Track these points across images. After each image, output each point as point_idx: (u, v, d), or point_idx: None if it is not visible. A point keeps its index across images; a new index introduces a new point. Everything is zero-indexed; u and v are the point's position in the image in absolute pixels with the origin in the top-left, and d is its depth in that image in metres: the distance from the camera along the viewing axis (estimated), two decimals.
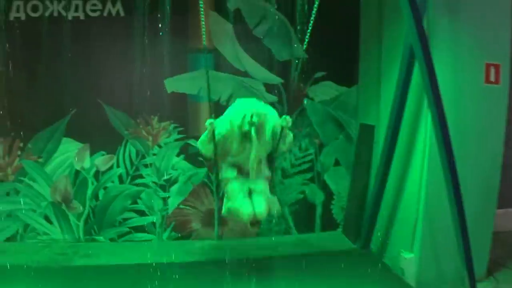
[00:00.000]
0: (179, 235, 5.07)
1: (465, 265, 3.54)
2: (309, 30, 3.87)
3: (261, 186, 3.62)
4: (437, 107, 3.51)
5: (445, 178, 3.53)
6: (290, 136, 3.82)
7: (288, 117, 3.67)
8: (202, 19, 2.62)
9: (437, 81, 3.54)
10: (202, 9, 2.66)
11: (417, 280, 4.07)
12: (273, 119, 3.72)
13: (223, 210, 3.73)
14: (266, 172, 3.75)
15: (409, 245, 4.22)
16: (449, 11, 4.00)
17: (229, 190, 3.65)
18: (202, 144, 3.73)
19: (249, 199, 3.54)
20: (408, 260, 4.16)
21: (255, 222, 3.62)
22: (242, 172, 3.69)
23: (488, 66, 4.09)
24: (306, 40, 3.90)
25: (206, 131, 3.63)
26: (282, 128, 3.69)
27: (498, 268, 4.37)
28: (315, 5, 3.85)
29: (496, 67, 4.09)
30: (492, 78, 4.09)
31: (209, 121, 3.59)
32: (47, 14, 4.61)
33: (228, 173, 3.71)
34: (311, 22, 3.91)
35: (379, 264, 4.43)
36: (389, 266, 4.39)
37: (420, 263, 4.10)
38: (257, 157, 3.56)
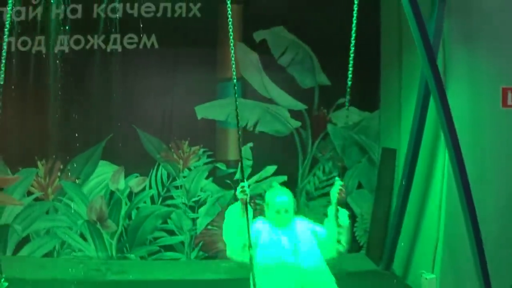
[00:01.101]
0: (207, 254, 5.27)
1: (483, 285, 3.57)
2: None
3: None
4: (452, 138, 3.58)
5: (460, 202, 3.61)
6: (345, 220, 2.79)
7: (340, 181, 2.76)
8: (232, 49, 2.50)
9: (450, 112, 3.60)
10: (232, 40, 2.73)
11: None
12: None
13: None
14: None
15: (430, 266, 4.27)
16: (465, 39, 4.17)
17: None
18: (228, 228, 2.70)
19: None
20: (429, 280, 4.21)
21: None
22: None
23: (505, 90, 4.20)
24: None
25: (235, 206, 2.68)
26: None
27: None
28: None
29: None
30: (510, 102, 4.20)
31: (241, 184, 2.61)
32: (88, 47, 5.04)
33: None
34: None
35: (402, 285, 4.48)
36: (411, 287, 4.44)
37: (441, 283, 4.14)
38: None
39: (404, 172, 4.52)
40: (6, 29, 3.06)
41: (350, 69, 3.27)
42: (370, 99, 5.44)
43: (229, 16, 2.47)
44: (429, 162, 4.42)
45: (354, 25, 2.77)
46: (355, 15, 2.91)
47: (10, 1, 2.90)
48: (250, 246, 2.49)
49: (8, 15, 3.03)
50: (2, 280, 3.02)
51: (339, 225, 2.67)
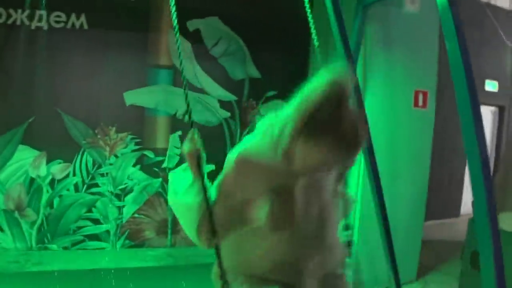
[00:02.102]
0: (133, 243, 5.19)
1: (390, 268, 4.01)
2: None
3: None
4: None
5: (371, 192, 4.00)
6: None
7: None
8: (177, 39, 1.97)
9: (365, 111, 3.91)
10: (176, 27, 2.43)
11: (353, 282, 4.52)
12: None
13: None
14: None
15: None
16: (384, 44, 4.60)
17: None
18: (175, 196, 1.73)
19: None
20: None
21: None
22: None
23: (417, 92, 4.72)
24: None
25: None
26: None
27: (427, 271, 4.94)
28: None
29: (424, 93, 4.73)
30: (420, 103, 4.73)
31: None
32: (9, 21, 4.64)
33: None
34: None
35: None
36: None
37: (355, 267, 4.56)
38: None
39: None
40: None
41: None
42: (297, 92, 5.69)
43: (172, 4, 1.99)
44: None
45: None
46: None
47: None
48: (215, 239, 1.57)
49: None
50: None
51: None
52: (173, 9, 1.82)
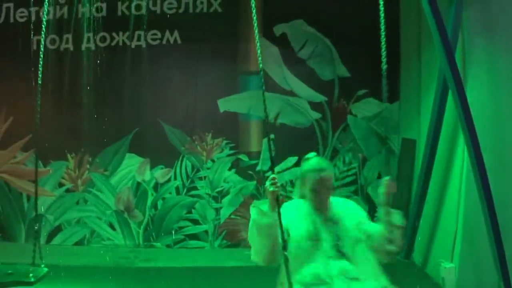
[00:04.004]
0: (230, 243, 5.44)
1: (501, 274, 3.62)
2: None
3: None
4: (470, 132, 3.61)
5: (478, 192, 3.66)
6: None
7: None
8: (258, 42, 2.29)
9: (469, 110, 3.62)
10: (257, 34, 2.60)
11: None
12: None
13: None
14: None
15: (449, 255, 4.34)
16: (485, 31, 4.17)
17: None
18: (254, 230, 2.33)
19: None
20: (448, 269, 4.28)
21: None
22: None
23: None
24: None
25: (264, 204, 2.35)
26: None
27: None
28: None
29: None
30: None
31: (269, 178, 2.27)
32: (113, 44, 5.21)
33: None
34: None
35: (421, 274, 4.57)
36: (431, 276, 4.52)
37: (460, 272, 4.21)
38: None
39: (423, 163, 4.57)
40: (43, 30, 3.28)
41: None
42: (389, 90, 5.43)
43: (253, 10, 2.40)
44: (448, 153, 4.46)
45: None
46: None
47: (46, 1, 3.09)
48: (284, 248, 2.17)
49: (45, 15, 3.24)
50: (43, 265, 3.25)
51: (392, 226, 2.30)
52: (254, 16, 2.26)
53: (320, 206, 2.45)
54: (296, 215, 2.43)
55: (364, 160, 5.54)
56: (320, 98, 5.48)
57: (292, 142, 5.39)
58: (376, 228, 2.39)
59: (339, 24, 5.31)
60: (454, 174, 4.38)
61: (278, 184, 2.19)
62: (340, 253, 2.30)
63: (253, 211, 2.31)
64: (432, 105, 4.42)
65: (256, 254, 2.35)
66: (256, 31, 1.94)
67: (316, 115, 5.48)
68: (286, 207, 2.40)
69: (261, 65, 2.25)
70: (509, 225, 3.78)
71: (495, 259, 3.62)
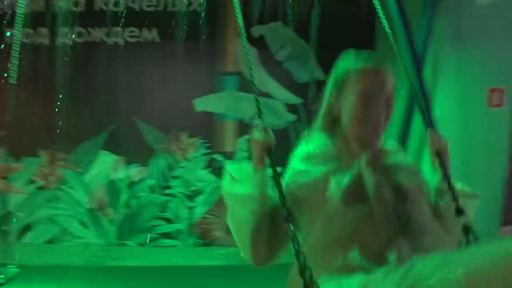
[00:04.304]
0: (203, 241, 5.46)
1: None
2: None
3: None
4: None
5: None
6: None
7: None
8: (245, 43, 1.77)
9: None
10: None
11: None
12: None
13: None
14: None
15: None
16: (455, 41, 4.33)
17: None
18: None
19: None
20: None
21: None
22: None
23: (491, 91, 4.38)
24: None
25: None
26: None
27: None
28: None
29: (500, 91, 4.37)
30: (496, 102, 4.38)
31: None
32: (90, 39, 5.16)
33: None
34: None
35: None
36: None
37: None
38: None
39: None
40: (17, 24, 3.22)
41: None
42: None
43: (238, 11, 1.91)
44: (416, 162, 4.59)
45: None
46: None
47: None
48: (290, 220, 1.22)
49: (19, 7, 3.18)
50: (13, 265, 3.19)
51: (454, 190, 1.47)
52: (239, 15, 1.73)
53: (367, 143, 1.41)
54: (316, 165, 1.41)
55: None
56: (296, 100, 5.55)
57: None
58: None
59: (317, 28, 5.39)
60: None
61: (271, 135, 1.45)
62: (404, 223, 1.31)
63: (225, 180, 1.49)
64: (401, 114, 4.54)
65: (242, 249, 1.46)
66: (243, 31, 1.59)
67: (292, 117, 5.55)
68: (298, 157, 1.48)
69: (251, 68, 1.62)
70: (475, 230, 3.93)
71: None
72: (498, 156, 4.40)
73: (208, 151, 5.47)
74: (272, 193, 1.36)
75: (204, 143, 5.47)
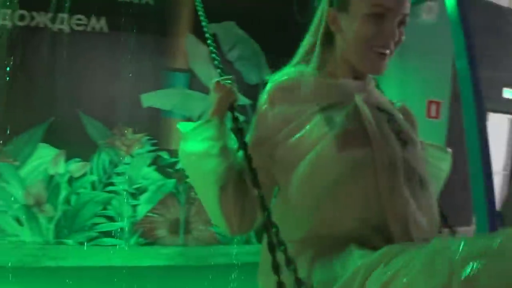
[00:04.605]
0: (146, 241, 5.32)
1: None
2: None
3: None
4: None
5: None
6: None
7: None
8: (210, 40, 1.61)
9: None
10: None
11: None
12: None
13: None
14: None
15: None
16: (398, 53, 4.60)
17: None
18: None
19: None
20: None
21: None
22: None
23: (430, 103, 4.73)
24: None
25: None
26: None
27: None
28: None
29: (437, 104, 4.74)
30: (433, 113, 4.74)
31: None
32: (33, 24, 4.83)
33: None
34: None
35: None
36: None
37: None
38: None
39: None
40: None
41: None
42: None
43: (199, 8, 1.74)
44: None
45: None
46: None
47: None
48: (255, 183, 1.02)
49: None
50: None
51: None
52: (201, 11, 1.63)
53: (374, 70, 1.19)
54: (296, 103, 1.16)
55: None
56: (244, 101, 5.59)
57: None
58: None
59: (269, 30, 5.47)
60: None
61: (234, 87, 1.29)
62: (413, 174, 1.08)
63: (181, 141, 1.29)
64: None
65: (212, 216, 1.17)
66: (205, 28, 1.43)
67: (240, 118, 5.56)
68: (274, 86, 1.25)
69: (218, 61, 1.59)
70: None
71: None
72: None
73: (154, 148, 5.35)
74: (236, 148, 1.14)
75: (149, 139, 5.33)
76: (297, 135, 1.06)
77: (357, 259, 0.89)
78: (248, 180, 1.07)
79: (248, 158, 1.06)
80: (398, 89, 4.57)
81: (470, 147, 2.49)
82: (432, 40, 4.66)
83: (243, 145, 1.11)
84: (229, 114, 1.24)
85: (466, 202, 7.43)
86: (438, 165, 1.36)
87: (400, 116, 1.22)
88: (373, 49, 1.14)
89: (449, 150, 1.45)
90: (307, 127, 1.05)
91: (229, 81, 1.27)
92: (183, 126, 1.29)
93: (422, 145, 1.21)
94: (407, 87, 4.61)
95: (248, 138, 1.18)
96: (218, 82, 1.25)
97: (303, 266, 0.95)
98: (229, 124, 1.22)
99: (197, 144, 1.18)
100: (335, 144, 1.01)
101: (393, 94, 4.50)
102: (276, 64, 4.98)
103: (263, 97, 1.23)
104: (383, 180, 0.99)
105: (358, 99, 1.11)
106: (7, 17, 4.72)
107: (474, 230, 4.53)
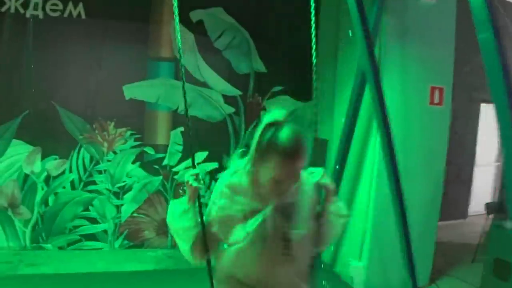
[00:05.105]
0: (132, 243, 4.98)
1: (408, 272, 3.77)
2: None
3: None
4: (385, 128, 3.75)
5: (391, 192, 3.77)
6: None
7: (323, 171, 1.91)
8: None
9: (385, 105, 3.77)
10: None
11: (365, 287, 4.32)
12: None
13: None
14: None
15: (358, 254, 4.46)
16: (399, 37, 4.35)
17: None
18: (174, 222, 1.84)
19: None
20: (356, 268, 4.39)
21: None
22: None
23: (432, 89, 4.48)
24: None
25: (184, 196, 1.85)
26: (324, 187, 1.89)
27: (440, 276, 4.71)
28: None
29: (440, 90, 4.49)
30: (436, 100, 4.49)
31: (190, 172, 1.82)
32: (3, 9, 4.41)
33: None
34: None
35: (330, 273, 4.62)
36: (339, 275, 4.60)
37: (368, 271, 4.34)
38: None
39: (336, 162, 4.63)
40: None
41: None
42: (303, 88, 5.47)
43: None
44: (359, 154, 4.58)
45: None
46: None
47: None
48: (207, 255, 1.81)
49: None
50: None
51: (340, 216, 1.94)
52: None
53: (275, 193, 1.74)
54: (236, 201, 1.78)
55: None
56: (234, 92, 5.28)
57: (202, 136, 5.07)
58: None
59: (259, 17, 5.16)
60: (365, 174, 4.52)
61: (202, 181, 1.80)
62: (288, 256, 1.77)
63: (168, 215, 1.85)
64: (347, 106, 4.49)
65: (185, 255, 1.84)
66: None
67: (230, 109, 5.26)
68: (225, 184, 1.80)
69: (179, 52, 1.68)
70: (414, 225, 3.96)
71: (404, 258, 3.76)
72: (439, 152, 4.52)
73: (138, 143, 4.99)
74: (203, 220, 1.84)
75: (133, 134, 4.97)
76: (232, 226, 1.78)
77: None
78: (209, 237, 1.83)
79: (203, 227, 1.82)
80: (400, 76, 4.33)
81: (502, 127, 2.21)
82: (433, 23, 4.42)
83: (202, 223, 1.82)
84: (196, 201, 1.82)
85: (461, 195, 7.33)
86: (338, 215, 1.94)
87: (307, 199, 1.85)
88: (281, 184, 1.74)
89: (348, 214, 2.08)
90: (237, 226, 1.77)
91: (193, 177, 1.79)
92: (172, 204, 1.88)
93: (323, 213, 1.88)
94: (409, 74, 4.36)
95: (205, 215, 1.85)
96: (187, 182, 1.79)
97: None
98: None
99: (180, 222, 1.82)
100: (249, 241, 1.74)
101: (395, 82, 4.25)
102: (266, 53, 4.67)
103: (216, 191, 1.83)
104: (268, 262, 1.77)
105: (269, 210, 1.76)
106: None
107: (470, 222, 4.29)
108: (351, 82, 4.51)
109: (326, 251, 4.84)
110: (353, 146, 4.56)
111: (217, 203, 1.80)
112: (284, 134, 1.64)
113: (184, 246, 1.81)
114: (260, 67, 5.31)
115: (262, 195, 1.75)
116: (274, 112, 1.71)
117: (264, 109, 5.36)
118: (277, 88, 5.36)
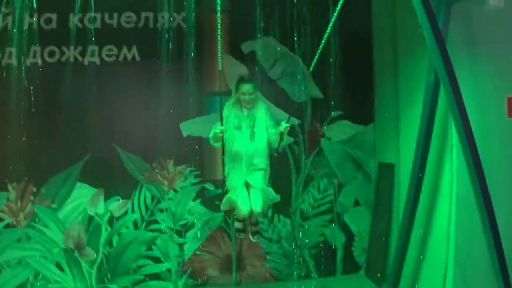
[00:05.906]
0: (196, 282, 4.88)
1: (502, 281, 3.26)
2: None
3: (257, 179, 3.70)
4: (468, 140, 3.39)
5: (480, 216, 3.34)
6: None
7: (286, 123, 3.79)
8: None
9: (468, 122, 3.44)
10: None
11: None
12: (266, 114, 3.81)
13: (222, 202, 3.77)
14: (262, 164, 3.75)
15: (440, 287, 3.99)
16: (468, 46, 3.98)
17: (228, 183, 3.75)
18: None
19: (246, 194, 3.64)
20: None
21: (254, 222, 3.83)
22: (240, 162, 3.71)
23: (510, 99, 4.01)
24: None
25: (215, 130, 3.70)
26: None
27: None
28: None
29: None
30: None
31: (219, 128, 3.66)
32: (63, 59, 4.67)
33: (228, 165, 3.76)
34: None
35: None
36: None
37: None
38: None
39: (410, 187, 4.23)
40: None
41: None
42: (364, 111, 5.20)
43: (219, 25, 3.19)
44: (435, 176, 4.16)
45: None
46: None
47: None
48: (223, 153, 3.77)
49: None
50: None
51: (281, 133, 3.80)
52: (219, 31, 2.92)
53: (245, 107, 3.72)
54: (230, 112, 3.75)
55: (340, 186, 5.19)
56: (292, 121, 5.10)
57: None
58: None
59: (311, 42, 5.01)
60: (443, 198, 4.07)
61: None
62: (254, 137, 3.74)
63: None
64: (415, 126, 4.13)
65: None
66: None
67: (289, 139, 5.09)
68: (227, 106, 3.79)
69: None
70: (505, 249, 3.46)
71: None
72: None
73: (198, 180, 4.96)
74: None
75: (192, 171, 4.96)
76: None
77: None
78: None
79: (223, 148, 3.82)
80: (472, 88, 3.92)
81: None
82: (506, 28, 4.01)
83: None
84: None
85: None
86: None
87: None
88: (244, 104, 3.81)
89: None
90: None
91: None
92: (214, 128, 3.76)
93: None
94: (483, 85, 3.94)
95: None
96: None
97: None
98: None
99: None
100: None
101: (467, 94, 3.83)
102: (321, 79, 4.44)
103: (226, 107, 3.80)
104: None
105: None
106: (36, 54, 4.59)
107: None
108: (416, 100, 4.17)
109: (404, 283, 4.41)
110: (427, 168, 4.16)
111: (225, 114, 3.73)
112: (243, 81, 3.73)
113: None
114: (316, 93, 5.13)
115: (239, 108, 3.71)
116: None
117: (324, 135, 5.14)
118: (337, 114, 5.13)
